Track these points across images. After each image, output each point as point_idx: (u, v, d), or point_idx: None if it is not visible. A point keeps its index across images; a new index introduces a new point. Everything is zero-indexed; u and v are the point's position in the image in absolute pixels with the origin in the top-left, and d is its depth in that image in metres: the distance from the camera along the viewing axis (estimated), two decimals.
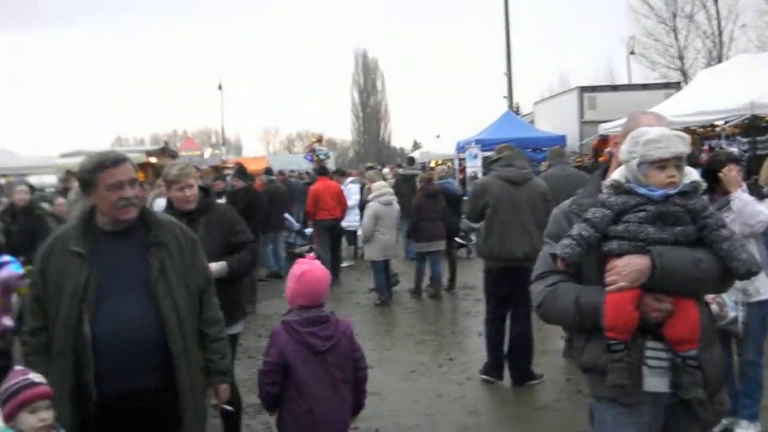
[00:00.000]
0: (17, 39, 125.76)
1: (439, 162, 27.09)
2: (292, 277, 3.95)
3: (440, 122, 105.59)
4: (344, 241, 15.80)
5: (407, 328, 10.29)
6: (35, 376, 2.99)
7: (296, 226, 15.94)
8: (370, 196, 12.29)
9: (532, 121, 28.26)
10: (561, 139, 20.85)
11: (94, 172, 3.34)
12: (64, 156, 23.04)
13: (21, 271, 5.81)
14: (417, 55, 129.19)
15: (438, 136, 38.71)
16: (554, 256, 2.96)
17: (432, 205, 12.10)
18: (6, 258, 6.29)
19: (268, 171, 17.71)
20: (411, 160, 22.58)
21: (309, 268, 3.95)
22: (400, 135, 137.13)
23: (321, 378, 3.83)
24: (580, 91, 23.99)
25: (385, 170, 24.64)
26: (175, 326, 3.37)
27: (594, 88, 24.93)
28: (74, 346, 3.24)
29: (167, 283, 3.38)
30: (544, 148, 18.71)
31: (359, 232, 15.40)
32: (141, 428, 3.38)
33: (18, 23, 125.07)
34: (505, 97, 31.69)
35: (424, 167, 25.01)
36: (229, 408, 3.83)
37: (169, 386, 3.37)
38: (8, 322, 6.10)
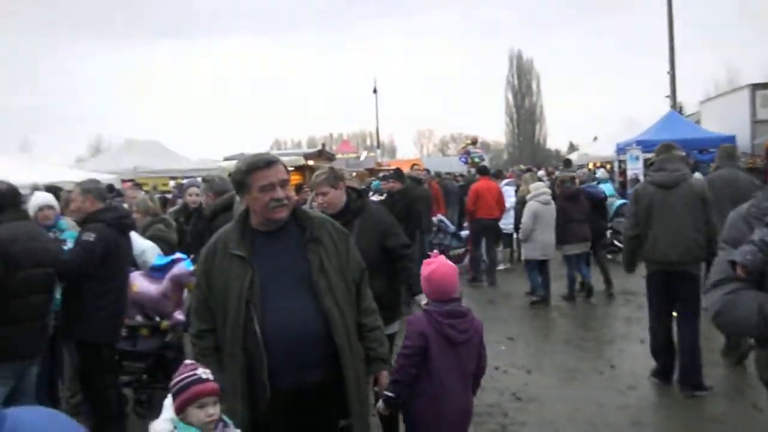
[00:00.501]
0: (186, 46, 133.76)
1: (597, 164, 26.30)
2: (423, 279, 4.17)
3: (597, 124, 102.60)
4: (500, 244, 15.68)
5: (565, 333, 10.04)
6: (203, 372, 3.07)
7: (451, 228, 15.97)
8: (529, 196, 12.12)
9: (698, 121, 26.85)
10: (730, 140, 19.65)
11: (247, 174, 3.42)
12: (226, 159, 24.28)
13: (191, 268, 6.19)
14: (573, 56, 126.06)
15: (595, 138, 37.60)
16: (733, 263, 2.81)
17: (574, 207, 11.84)
18: (179, 255, 6.73)
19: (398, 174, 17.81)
20: (568, 163, 22.04)
21: (435, 267, 4.13)
22: (555, 137, 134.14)
23: (453, 367, 4.03)
24: (752, 89, 22.54)
25: (541, 172, 24.19)
26: (339, 320, 3.42)
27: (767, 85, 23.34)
28: (244, 345, 3.33)
29: (327, 278, 3.44)
30: (711, 149, 17.75)
31: (515, 235, 15.24)
32: (307, 422, 3.45)
33: (188, 30, 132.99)
34: (667, 96, 30.25)
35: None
36: (390, 395, 3.91)
37: (333, 380, 3.43)
38: (180, 316, 6.52)
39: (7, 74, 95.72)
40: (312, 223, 3.56)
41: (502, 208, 14.22)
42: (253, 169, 3.41)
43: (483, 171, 15.30)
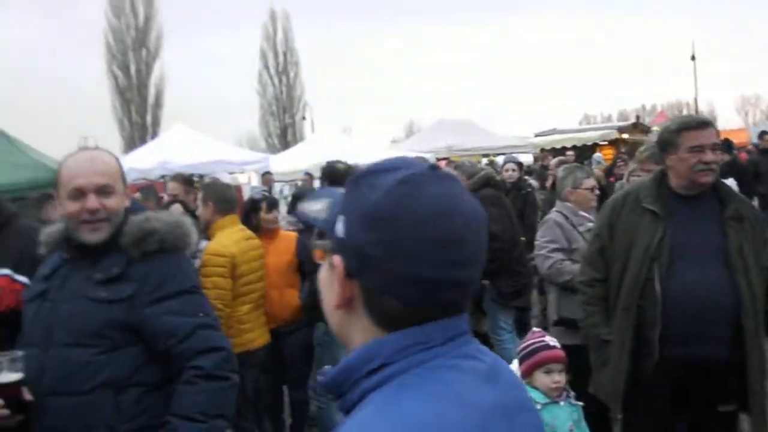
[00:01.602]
0: (505, 23, 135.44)
1: None
2: None
3: None
4: None
5: None
6: (551, 340, 3.17)
7: None
8: None
9: None
10: None
11: (677, 133, 3.38)
12: (538, 135, 24.20)
13: None
14: None
15: None
16: None
17: None
18: None
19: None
20: None
21: None
22: None
23: None
24: None
25: None
26: (749, 303, 3.26)
27: None
28: (640, 303, 3.32)
29: (744, 259, 3.29)
30: None
31: None
32: (686, 399, 3.37)
33: (500, 8, 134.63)
34: None
35: None
36: None
37: (730, 363, 3.28)
38: None
39: (330, 58, 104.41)
40: (736, 200, 3.47)
41: None
42: (685, 129, 3.39)
43: None
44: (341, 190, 1.18)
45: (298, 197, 7.03)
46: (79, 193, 2.49)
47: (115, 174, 2.59)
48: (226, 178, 12.32)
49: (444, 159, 16.49)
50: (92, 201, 2.48)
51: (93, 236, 2.50)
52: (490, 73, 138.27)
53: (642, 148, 5.12)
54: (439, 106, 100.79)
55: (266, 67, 52.47)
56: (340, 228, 1.13)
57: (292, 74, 52.74)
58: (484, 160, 19.93)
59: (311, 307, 5.19)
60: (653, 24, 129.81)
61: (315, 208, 1.22)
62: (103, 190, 2.50)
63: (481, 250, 1.14)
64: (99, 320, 2.45)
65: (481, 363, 1.14)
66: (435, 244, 1.07)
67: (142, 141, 42.69)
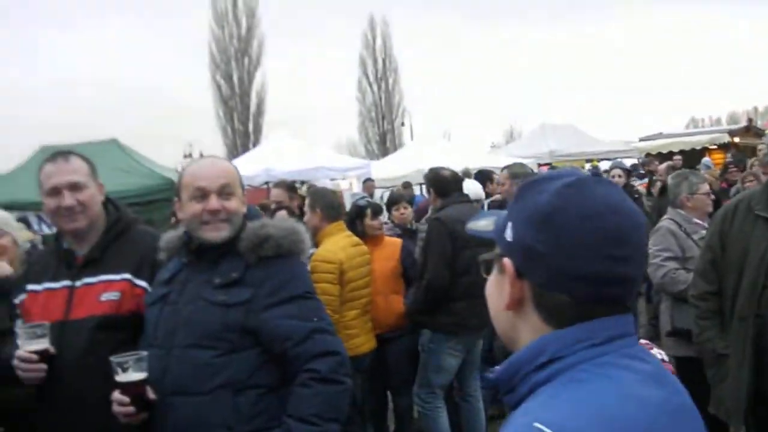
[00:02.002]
0: (606, 24, 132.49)
1: None
2: None
3: None
4: None
5: None
6: (658, 352, 3.06)
7: None
8: None
9: None
10: None
11: None
12: (643, 139, 23.51)
13: None
14: None
15: None
16: None
17: None
18: None
19: None
20: None
21: None
22: None
23: None
24: None
25: None
26: None
27: None
28: (758, 312, 3.23)
29: None
30: None
31: None
32: None
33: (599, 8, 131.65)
34: None
35: None
36: None
37: None
38: None
39: (429, 64, 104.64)
40: None
41: None
42: None
43: None
44: (504, 212, 1.25)
45: (392, 202, 7.05)
46: (202, 194, 2.60)
47: (234, 178, 2.70)
48: (327, 185, 12.51)
49: (546, 164, 16.22)
50: (214, 201, 2.58)
51: (214, 235, 2.60)
52: (591, 76, 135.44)
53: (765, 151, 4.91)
54: (539, 110, 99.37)
55: (365, 74, 52.99)
56: (509, 233, 1.20)
57: (390, 81, 53.09)
58: (588, 165, 19.55)
59: (416, 313, 5.21)
60: (764, 23, 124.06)
61: (482, 224, 1.32)
62: (223, 191, 2.61)
63: (643, 249, 1.19)
64: (218, 323, 2.53)
65: (648, 365, 1.16)
66: (601, 239, 1.12)
67: (244, 148, 43.81)
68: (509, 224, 1.20)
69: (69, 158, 2.93)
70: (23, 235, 3.98)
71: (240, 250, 2.61)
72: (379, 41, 52.98)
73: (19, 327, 2.77)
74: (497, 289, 1.24)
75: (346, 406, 2.62)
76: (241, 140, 47.66)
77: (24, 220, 6.92)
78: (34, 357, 2.67)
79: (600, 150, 21.10)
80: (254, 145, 41.86)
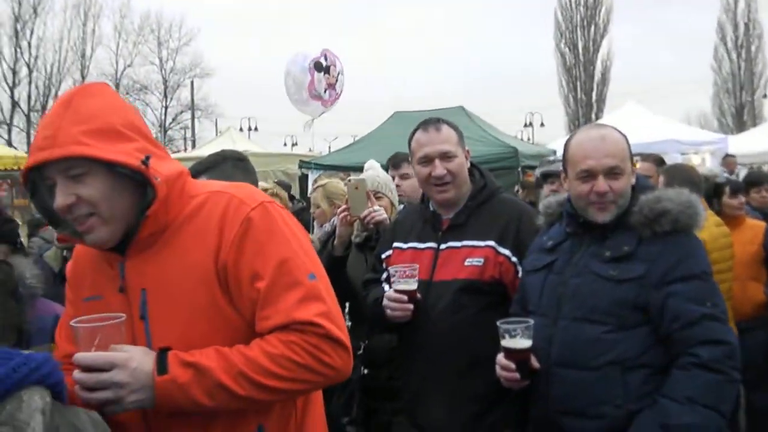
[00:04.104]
0: None
1: None
2: None
3: None
4: None
5: None
6: None
7: None
8: None
9: None
10: None
11: None
12: None
13: None
14: None
15: None
16: None
17: None
18: None
19: None
20: None
21: None
22: None
23: None
24: None
25: None
26: None
27: None
28: None
29: None
30: None
31: None
32: None
33: None
34: None
35: None
36: None
37: None
38: None
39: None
40: None
41: None
42: None
43: None
44: None
45: (751, 183, 6.39)
46: (589, 175, 2.57)
47: (624, 155, 2.61)
48: (678, 160, 11.82)
49: None
50: (601, 184, 2.55)
51: (600, 216, 2.59)
52: None
53: None
54: None
55: (723, 40, 48.65)
56: None
57: (753, 48, 48.12)
58: None
59: None
60: None
61: None
62: (611, 172, 2.56)
63: None
64: (608, 298, 2.50)
65: None
66: None
67: (586, 119, 43.07)
68: None
69: (440, 127, 3.04)
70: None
71: (631, 223, 2.56)
72: (741, 5, 48.13)
73: (392, 268, 2.96)
74: None
75: (731, 399, 2.46)
76: (583, 110, 46.88)
77: None
78: (404, 297, 2.86)
79: None
80: (597, 116, 40.92)
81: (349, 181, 3.80)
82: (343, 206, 3.64)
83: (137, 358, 1.75)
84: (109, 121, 1.85)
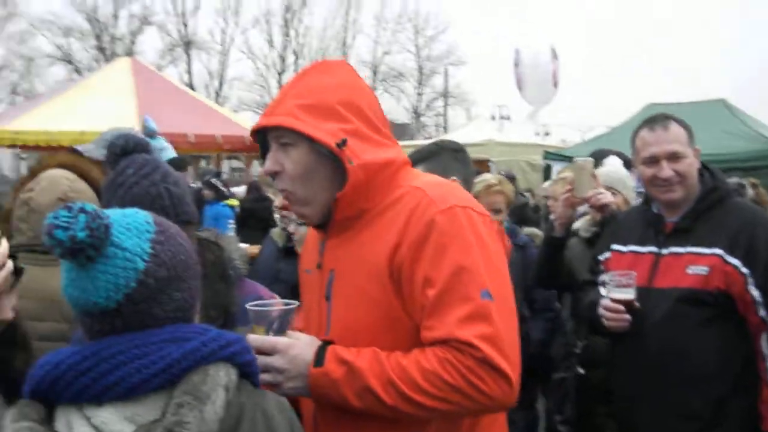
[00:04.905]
0: None
1: None
2: None
3: None
4: None
5: None
6: None
7: None
8: None
9: None
10: None
11: None
12: None
13: None
14: None
15: None
16: None
17: None
18: None
19: None
20: None
21: None
22: None
23: None
24: None
25: None
26: None
27: None
28: None
29: None
30: None
31: None
32: None
33: None
34: None
35: None
36: None
37: None
38: None
39: None
40: None
41: None
42: None
43: None
44: None
45: None
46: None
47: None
48: None
49: None
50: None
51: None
52: None
53: None
54: None
55: None
56: None
57: None
58: None
59: None
60: None
61: None
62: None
63: None
64: None
65: None
66: None
67: None
68: None
69: (668, 126, 2.84)
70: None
71: None
72: None
73: (608, 275, 2.85)
74: None
75: None
76: None
77: None
78: (620, 307, 2.75)
79: None
80: None
81: (575, 162, 3.64)
82: (567, 187, 3.53)
83: (299, 346, 1.80)
84: (325, 98, 1.87)
